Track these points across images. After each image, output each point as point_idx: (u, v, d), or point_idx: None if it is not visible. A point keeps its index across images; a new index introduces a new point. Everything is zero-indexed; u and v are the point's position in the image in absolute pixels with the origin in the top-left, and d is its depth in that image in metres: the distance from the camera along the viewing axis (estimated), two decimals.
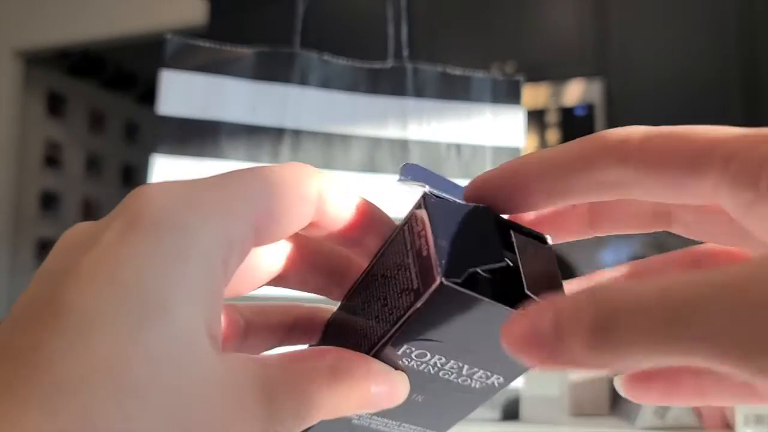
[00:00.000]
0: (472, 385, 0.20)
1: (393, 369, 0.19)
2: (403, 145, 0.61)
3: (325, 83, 0.60)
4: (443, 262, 0.17)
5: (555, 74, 2.31)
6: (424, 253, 0.17)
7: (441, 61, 0.64)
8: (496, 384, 0.20)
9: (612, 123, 2.27)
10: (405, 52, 0.64)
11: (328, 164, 0.59)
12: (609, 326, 0.13)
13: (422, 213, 0.18)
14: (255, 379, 0.17)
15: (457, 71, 0.63)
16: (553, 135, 2.32)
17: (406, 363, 0.19)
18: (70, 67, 3.70)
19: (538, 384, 0.72)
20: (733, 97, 2.18)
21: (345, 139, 0.60)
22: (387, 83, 0.61)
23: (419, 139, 0.61)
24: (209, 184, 0.18)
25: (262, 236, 0.18)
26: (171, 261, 0.16)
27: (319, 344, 0.22)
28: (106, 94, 4.00)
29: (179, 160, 0.57)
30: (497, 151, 0.62)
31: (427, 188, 0.19)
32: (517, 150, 0.63)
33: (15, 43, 3.31)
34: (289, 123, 0.59)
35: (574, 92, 2.32)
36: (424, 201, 0.18)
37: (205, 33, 2.54)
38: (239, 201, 0.17)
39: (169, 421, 0.15)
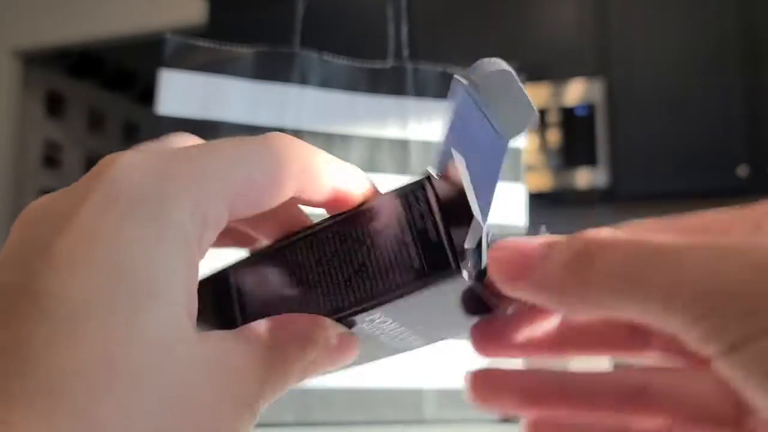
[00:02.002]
0: (396, 346, 0.21)
1: (351, 332, 0.19)
2: (403, 145, 0.61)
3: (325, 83, 0.60)
4: (456, 251, 0.18)
5: (555, 74, 2.31)
6: (433, 238, 0.18)
7: (441, 61, 0.64)
8: (416, 346, 0.21)
9: (613, 123, 2.27)
10: (405, 52, 0.64)
11: None
12: (589, 259, 0.16)
13: (430, 194, 0.18)
14: (237, 358, 0.16)
15: (458, 71, 0.62)
16: (553, 135, 2.32)
17: (362, 325, 0.19)
18: (69, 67, 3.70)
19: None
20: (734, 97, 2.17)
21: (345, 139, 0.60)
22: (387, 83, 0.61)
23: (419, 139, 0.61)
24: (185, 156, 0.17)
25: (238, 210, 0.18)
26: (152, 243, 0.15)
27: (245, 292, 0.21)
28: (106, 94, 4.00)
29: None
30: None
31: (430, 169, 0.19)
32: (517, 150, 0.63)
33: (14, 43, 3.31)
34: (289, 123, 0.59)
35: (575, 92, 2.32)
36: (430, 182, 0.18)
37: (204, 32, 2.54)
38: (214, 175, 0.17)
39: (167, 410, 0.14)
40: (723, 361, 0.13)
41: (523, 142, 0.63)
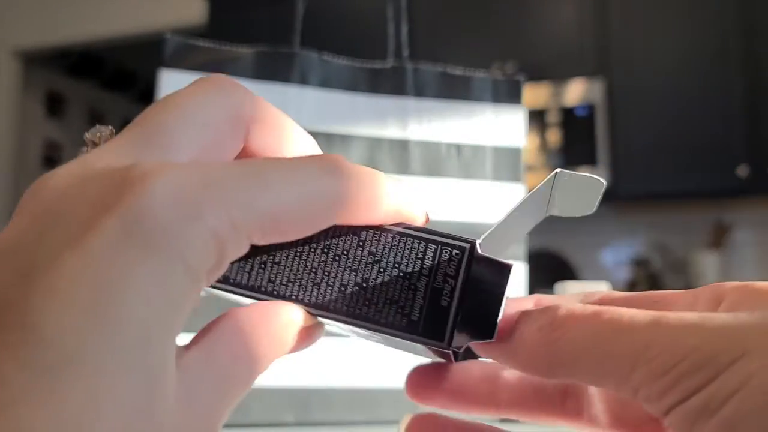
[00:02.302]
0: (359, 336, 0.21)
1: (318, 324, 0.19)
2: (403, 145, 0.61)
3: (325, 83, 0.60)
4: (455, 328, 0.18)
5: (556, 74, 2.31)
6: (444, 303, 0.18)
7: (441, 61, 0.64)
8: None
9: (613, 123, 2.27)
10: (405, 52, 0.64)
11: None
12: (560, 330, 0.18)
13: (464, 263, 0.18)
14: (208, 394, 0.16)
15: (458, 71, 0.62)
16: (553, 135, 2.32)
17: (329, 323, 0.19)
18: (69, 66, 3.70)
19: None
20: (734, 96, 2.17)
21: (345, 138, 0.60)
22: (387, 83, 0.61)
23: (419, 139, 0.61)
24: (220, 183, 0.15)
25: (269, 240, 0.17)
26: (160, 296, 0.14)
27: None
28: (106, 94, 4.00)
29: None
30: (498, 151, 0.62)
31: (478, 241, 0.19)
32: (517, 150, 0.63)
33: (14, 43, 3.31)
34: None
35: (575, 92, 2.31)
36: (471, 253, 0.18)
37: (204, 32, 2.54)
38: (248, 209, 0.15)
39: None
40: (666, 419, 0.16)
41: (523, 142, 0.63)
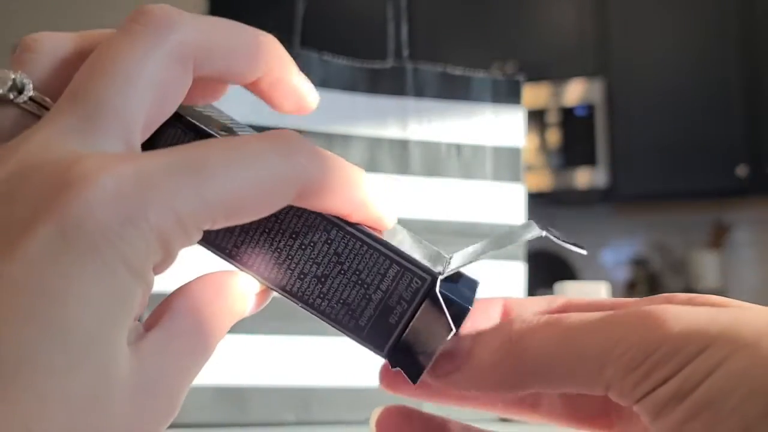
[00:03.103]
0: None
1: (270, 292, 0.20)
2: (403, 145, 0.61)
3: (325, 83, 0.60)
4: (397, 348, 0.19)
5: (555, 74, 2.31)
6: (392, 321, 0.19)
7: (441, 61, 0.64)
8: None
9: (612, 123, 2.27)
10: (405, 52, 0.64)
11: None
12: (518, 342, 0.18)
13: (420, 294, 0.19)
14: (166, 370, 0.16)
15: (457, 71, 0.62)
16: (553, 135, 2.32)
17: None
18: None
19: None
20: (734, 96, 2.18)
21: (345, 139, 0.60)
22: (387, 83, 0.61)
23: (419, 139, 0.61)
24: (164, 177, 0.15)
25: (222, 224, 0.17)
26: (102, 299, 0.14)
27: None
28: None
29: None
30: (497, 151, 0.62)
31: (440, 277, 0.19)
32: (517, 150, 0.63)
33: (14, 43, 3.30)
34: (289, 123, 0.59)
35: (575, 92, 2.31)
36: (432, 285, 0.19)
37: None
38: (192, 203, 0.15)
39: None
40: (637, 408, 0.17)
41: (523, 142, 0.63)
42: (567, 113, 2.31)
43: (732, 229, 2.39)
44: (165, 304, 0.17)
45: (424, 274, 0.19)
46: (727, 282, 2.33)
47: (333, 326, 0.20)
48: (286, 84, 0.20)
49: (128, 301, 0.15)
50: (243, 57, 0.19)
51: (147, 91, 0.16)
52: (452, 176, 0.61)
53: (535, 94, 2.31)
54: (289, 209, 0.19)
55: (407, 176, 0.60)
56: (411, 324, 0.19)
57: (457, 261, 0.20)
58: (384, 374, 0.22)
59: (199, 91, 0.19)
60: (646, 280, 2.36)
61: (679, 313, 0.17)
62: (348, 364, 0.57)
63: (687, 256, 2.39)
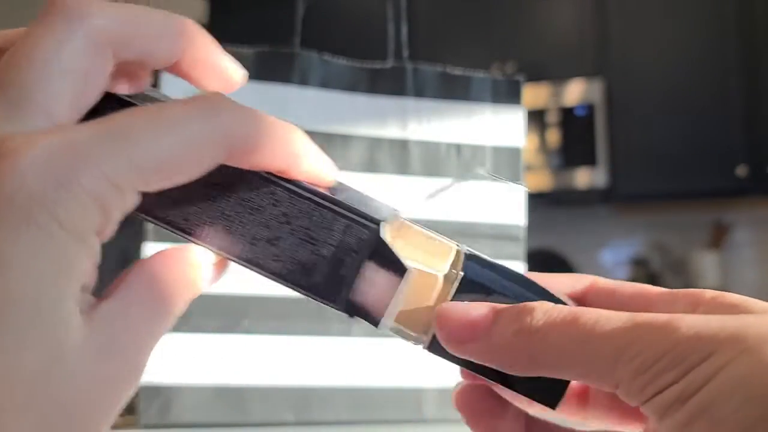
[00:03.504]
0: None
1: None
2: (403, 144, 0.61)
3: (325, 83, 0.60)
4: (349, 300, 0.20)
5: (555, 74, 2.31)
6: (343, 273, 0.20)
7: (441, 61, 0.64)
8: None
9: (612, 123, 2.27)
10: (405, 53, 0.64)
11: None
12: (534, 332, 0.19)
13: (367, 242, 0.20)
14: (121, 340, 0.17)
15: (457, 71, 0.62)
16: (553, 135, 2.32)
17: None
18: None
19: None
20: (733, 96, 2.18)
21: (345, 138, 0.60)
22: (387, 83, 0.61)
23: (419, 139, 0.61)
24: (92, 144, 0.16)
25: (155, 188, 0.17)
26: (43, 267, 0.15)
27: None
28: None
29: None
30: (497, 151, 0.62)
31: (384, 224, 0.20)
32: (517, 150, 0.63)
33: None
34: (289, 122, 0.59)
35: (574, 92, 2.32)
36: (378, 234, 0.20)
37: None
38: (123, 168, 0.16)
39: (51, 412, 0.15)
40: (644, 409, 0.18)
41: (523, 142, 0.63)
42: (567, 113, 2.31)
43: (732, 229, 2.39)
44: (121, 277, 0.18)
45: (369, 224, 0.20)
46: (726, 282, 2.33)
47: (289, 287, 0.20)
48: (207, 63, 0.20)
49: (72, 266, 0.15)
50: (160, 41, 0.19)
51: (66, 76, 0.17)
52: (452, 176, 0.61)
53: (534, 94, 2.31)
54: (235, 177, 0.19)
55: (407, 176, 0.60)
56: (362, 273, 0.20)
57: (402, 212, 0.21)
58: (461, 399, 0.24)
59: (124, 75, 0.20)
60: (645, 281, 2.36)
61: (694, 321, 0.18)
62: (348, 364, 0.57)
63: (687, 256, 2.39)
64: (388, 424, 0.57)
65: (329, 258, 0.20)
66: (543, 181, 2.31)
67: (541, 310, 0.19)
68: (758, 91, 2.15)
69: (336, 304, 0.20)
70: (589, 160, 2.27)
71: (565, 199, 2.33)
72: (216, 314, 0.56)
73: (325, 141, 0.59)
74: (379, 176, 0.60)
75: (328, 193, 0.20)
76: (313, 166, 0.20)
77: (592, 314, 0.19)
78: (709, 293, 0.20)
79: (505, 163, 0.62)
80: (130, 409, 0.61)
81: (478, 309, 0.20)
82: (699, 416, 0.16)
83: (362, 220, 0.20)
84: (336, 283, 0.20)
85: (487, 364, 0.20)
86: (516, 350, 0.19)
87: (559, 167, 2.31)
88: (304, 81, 0.59)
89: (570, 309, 0.19)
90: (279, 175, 0.19)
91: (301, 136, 0.19)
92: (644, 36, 2.26)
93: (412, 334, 0.21)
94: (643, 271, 2.40)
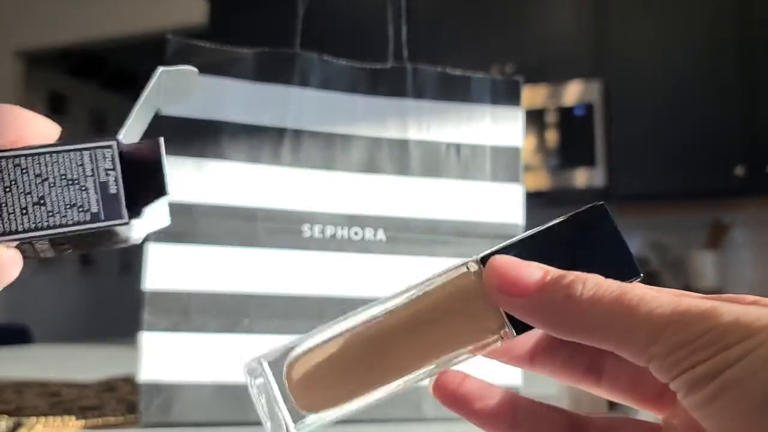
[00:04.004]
0: None
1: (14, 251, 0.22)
2: (402, 145, 0.61)
3: (326, 84, 0.60)
4: (132, 206, 0.22)
5: (554, 76, 2.31)
6: (113, 191, 0.22)
7: (441, 63, 0.64)
8: None
9: (610, 123, 2.27)
10: (404, 54, 0.64)
11: (328, 165, 0.60)
12: (578, 284, 0.21)
13: (115, 155, 0.22)
14: None
15: (457, 72, 0.63)
16: (551, 135, 2.33)
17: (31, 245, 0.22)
18: (71, 67, 3.70)
19: (535, 382, 0.72)
20: (732, 96, 2.18)
21: (345, 139, 0.60)
22: (387, 84, 0.61)
23: (419, 139, 0.61)
24: None
25: None
26: None
27: None
28: (107, 94, 3.99)
29: (180, 159, 0.57)
30: (496, 151, 0.63)
31: (119, 137, 0.22)
32: (516, 150, 0.63)
33: (16, 43, 3.31)
34: (289, 123, 0.59)
35: (573, 92, 2.32)
36: (119, 146, 0.22)
37: (205, 33, 2.53)
38: None
39: None
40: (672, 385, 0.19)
41: (522, 142, 0.63)
42: (565, 113, 2.31)
43: (730, 229, 2.39)
44: None
45: (108, 142, 0.22)
46: (725, 282, 2.34)
47: (77, 231, 0.22)
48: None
49: None
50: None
51: None
52: (451, 176, 0.61)
53: (533, 94, 2.31)
54: None
55: (407, 177, 0.61)
56: (127, 181, 0.22)
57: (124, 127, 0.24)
58: (438, 384, 0.24)
59: None
60: (643, 280, 2.36)
61: (735, 309, 0.19)
62: None
63: (685, 255, 2.39)
64: (387, 422, 0.57)
65: (95, 187, 0.22)
66: (541, 180, 2.31)
67: (593, 281, 0.21)
68: (756, 91, 2.16)
69: (123, 218, 0.22)
70: (588, 159, 2.28)
71: (564, 199, 2.33)
72: (217, 313, 0.56)
73: (326, 141, 0.60)
74: (379, 177, 0.60)
75: (61, 142, 0.22)
76: (40, 128, 0.22)
77: (638, 291, 0.20)
78: (750, 298, 0.21)
79: (504, 163, 0.63)
80: (131, 408, 0.61)
81: (531, 268, 0.22)
82: (725, 391, 0.18)
83: (102, 143, 0.22)
84: (112, 203, 0.22)
85: (527, 321, 0.22)
86: (563, 314, 0.21)
87: (558, 167, 2.31)
88: (304, 82, 0.60)
89: (619, 284, 0.21)
90: (11, 147, 0.22)
91: (19, 111, 0.22)
92: (643, 37, 2.26)
93: None
94: (642, 270, 2.40)
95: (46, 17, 3.22)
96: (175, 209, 0.55)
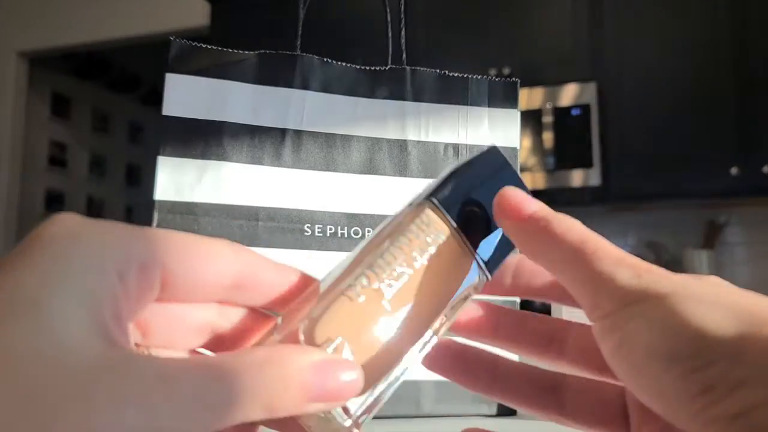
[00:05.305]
0: None
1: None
2: (402, 146, 0.62)
3: (326, 86, 0.61)
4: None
5: (550, 79, 2.32)
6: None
7: (438, 66, 0.65)
8: None
9: (606, 123, 2.28)
10: (404, 56, 0.65)
11: (328, 166, 0.60)
12: (556, 219, 0.24)
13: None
14: (148, 370, 0.16)
15: (455, 74, 0.64)
16: (548, 136, 2.34)
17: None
18: (74, 68, 3.69)
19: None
20: (725, 99, 2.19)
21: (345, 140, 0.61)
22: (386, 86, 0.62)
23: (418, 140, 0.62)
24: (124, 226, 0.18)
25: (170, 278, 0.20)
26: (52, 264, 0.16)
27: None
28: (111, 96, 3.99)
29: (183, 160, 0.58)
30: None
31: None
32: (513, 150, 0.64)
33: (20, 45, 3.30)
34: (291, 125, 0.60)
35: (570, 93, 2.33)
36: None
37: (207, 35, 2.54)
38: (143, 233, 0.19)
39: (19, 409, 0.14)
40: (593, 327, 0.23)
41: (518, 143, 0.64)
42: (562, 114, 2.32)
43: (725, 228, 2.41)
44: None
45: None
46: None
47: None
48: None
49: (69, 265, 0.17)
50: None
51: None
52: None
53: (530, 95, 2.32)
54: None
55: (406, 178, 0.62)
56: None
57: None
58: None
59: None
60: None
61: (647, 275, 0.24)
62: None
63: (680, 255, 2.41)
64: (387, 420, 0.58)
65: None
66: (538, 181, 2.32)
67: (574, 225, 0.24)
68: (751, 91, 2.17)
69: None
70: (584, 160, 2.29)
71: (560, 199, 2.35)
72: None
73: (326, 142, 0.61)
74: (379, 177, 0.61)
75: None
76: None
77: (598, 243, 0.24)
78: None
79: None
80: None
81: (531, 202, 0.25)
82: (622, 343, 0.21)
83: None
84: None
85: (514, 240, 0.25)
86: (538, 240, 0.24)
87: (554, 167, 2.32)
88: (305, 84, 0.61)
89: (586, 233, 0.24)
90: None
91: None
92: (638, 38, 2.27)
93: None
94: None
95: (49, 19, 3.21)
96: (178, 209, 0.56)
